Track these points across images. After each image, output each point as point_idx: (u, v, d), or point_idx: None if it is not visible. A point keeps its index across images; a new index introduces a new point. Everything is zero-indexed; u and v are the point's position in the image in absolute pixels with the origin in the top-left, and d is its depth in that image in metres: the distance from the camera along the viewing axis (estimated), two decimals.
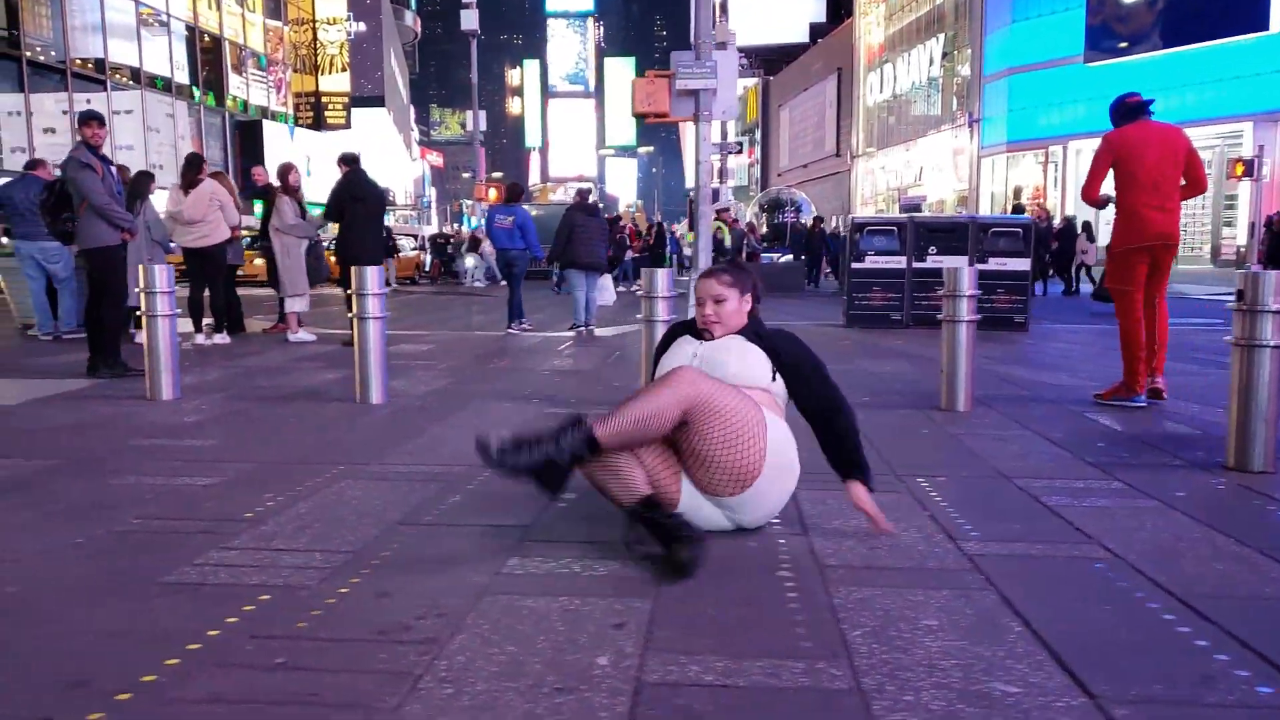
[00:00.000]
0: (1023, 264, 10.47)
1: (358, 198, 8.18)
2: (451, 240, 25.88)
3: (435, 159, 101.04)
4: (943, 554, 2.62)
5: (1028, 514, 3.04)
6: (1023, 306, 10.41)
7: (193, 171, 8.29)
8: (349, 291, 5.50)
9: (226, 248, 8.56)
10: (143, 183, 8.32)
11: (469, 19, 26.12)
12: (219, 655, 1.95)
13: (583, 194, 10.68)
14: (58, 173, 7.00)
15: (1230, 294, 3.78)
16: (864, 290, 10.61)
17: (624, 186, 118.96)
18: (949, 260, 10.68)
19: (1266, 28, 25.66)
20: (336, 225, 8.55)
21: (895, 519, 2.93)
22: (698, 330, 2.97)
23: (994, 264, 10.50)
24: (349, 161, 8.36)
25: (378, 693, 1.78)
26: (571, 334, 9.69)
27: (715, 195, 18.06)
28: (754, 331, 2.89)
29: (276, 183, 9.02)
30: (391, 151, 64.80)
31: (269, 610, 2.19)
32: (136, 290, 5.53)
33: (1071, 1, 30.74)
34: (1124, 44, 29.46)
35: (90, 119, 6.37)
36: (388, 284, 8.88)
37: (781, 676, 1.85)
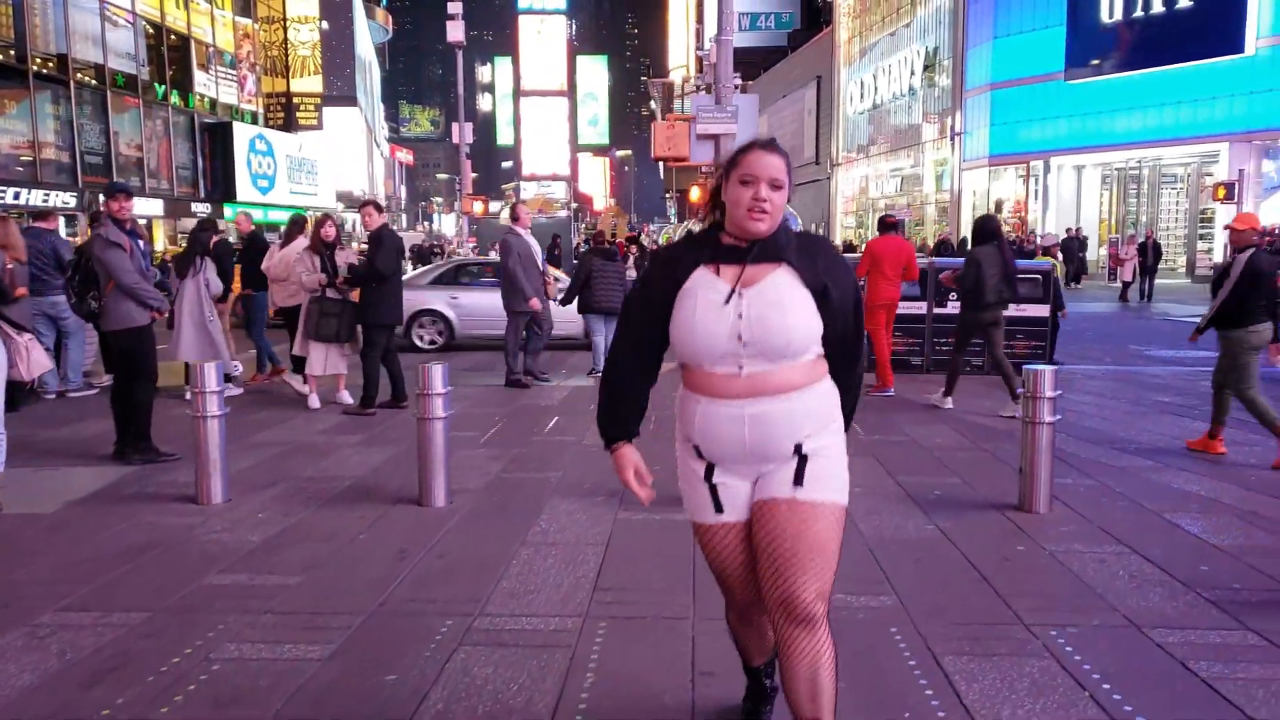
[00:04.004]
0: (1042, 310, 10.51)
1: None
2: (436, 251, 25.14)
3: (405, 156, 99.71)
4: None
5: (1191, 696, 2.95)
6: (1043, 352, 10.45)
7: (295, 230, 8.43)
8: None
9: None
10: (203, 237, 7.95)
11: (455, 30, 25.74)
12: None
13: (599, 236, 10.50)
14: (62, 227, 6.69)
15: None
16: None
17: (596, 185, 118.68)
18: None
19: (1242, 50, 26.16)
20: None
21: (1057, 704, 2.83)
22: (707, 242, 2.18)
23: (1013, 310, 10.52)
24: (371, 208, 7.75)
25: None
26: (592, 381, 9.52)
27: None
28: (790, 243, 2.17)
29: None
30: (363, 151, 63.90)
31: None
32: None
33: (1052, 19, 31.11)
34: (1102, 63, 29.89)
35: (117, 192, 6.07)
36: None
37: None
